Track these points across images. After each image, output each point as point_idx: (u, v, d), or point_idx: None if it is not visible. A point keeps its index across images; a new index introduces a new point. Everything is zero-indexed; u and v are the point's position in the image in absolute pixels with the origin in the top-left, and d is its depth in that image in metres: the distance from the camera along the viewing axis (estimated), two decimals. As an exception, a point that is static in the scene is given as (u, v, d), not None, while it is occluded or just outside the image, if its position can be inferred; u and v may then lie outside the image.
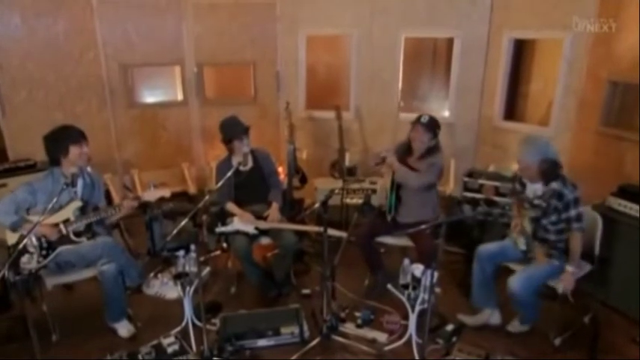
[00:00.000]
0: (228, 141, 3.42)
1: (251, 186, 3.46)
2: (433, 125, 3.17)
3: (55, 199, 2.51)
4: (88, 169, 3.10)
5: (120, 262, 2.95)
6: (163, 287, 3.49)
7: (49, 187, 2.87)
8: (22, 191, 2.85)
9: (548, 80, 4.29)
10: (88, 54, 4.49)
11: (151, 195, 3.06)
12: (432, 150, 3.21)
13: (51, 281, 2.89)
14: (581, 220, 2.73)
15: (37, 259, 2.78)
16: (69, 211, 2.88)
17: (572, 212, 2.71)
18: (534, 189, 2.85)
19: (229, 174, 2.92)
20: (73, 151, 2.88)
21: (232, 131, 3.39)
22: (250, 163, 3.49)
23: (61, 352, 2.84)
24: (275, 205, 3.48)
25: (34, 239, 2.77)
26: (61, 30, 4.33)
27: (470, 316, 3.12)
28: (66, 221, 2.87)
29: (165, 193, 3.09)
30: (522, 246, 2.94)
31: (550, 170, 2.73)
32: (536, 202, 2.83)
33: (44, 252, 2.82)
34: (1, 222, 2.78)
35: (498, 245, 3.05)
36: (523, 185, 2.94)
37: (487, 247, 3.06)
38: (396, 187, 3.28)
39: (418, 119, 3.19)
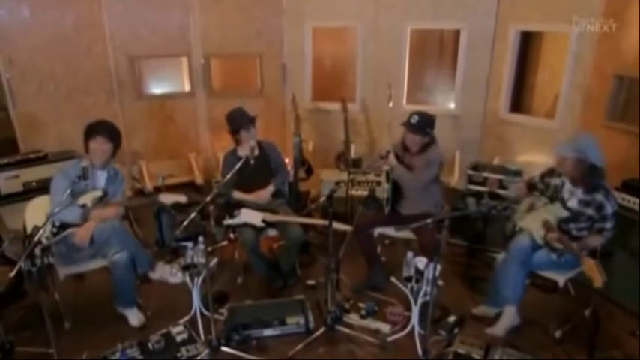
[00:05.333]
0: (235, 131, 3.45)
1: (257, 176, 3.49)
2: (423, 125, 3.16)
3: (68, 191, 2.62)
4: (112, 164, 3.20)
5: (130, 248, 3.00)
6: (167, 272, 3.48)
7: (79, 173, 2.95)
8: (59, 179, 2.94)
9: (554, 73, 4.27)
10: (96, 47, 4.53)
11: (167, 199, 3.13)
12: (428, 145, 3.24)
13: (63, 271, 2.96)
14: (613, 230, 2.75)
15: (46, 235, 2.79)
16: (88, 199, 2.96)
17: (609, 224, 2.72)
18: (571, 191, 2.83)
19: (237, 167, 2.96)
20: (91, 145, 3.01)
21: (239, 121, 3.43)
22: (256, 152, 3.53)
23: (73, 340, 2.92)
24: (270, 188, 3.51)
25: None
26: (70, 23, 4.37)
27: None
28: (83, 206, 2.93)
29: (182, 199, 3.14)
30: (540, 239, 2.88)
31: (592, 176, 2.68)
32: (570, 205, 2.79)
33: (55, 230, 2.87)
34: (67, 219, 2.85)
35: (528, 237, 2.93)
36: (562, 183, 2.89)
37: (523, 241, 2.91)
38: (394, 181, 3.33)
39: (408, 122, 3.18)
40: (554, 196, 2.91)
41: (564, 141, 2.81)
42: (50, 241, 2.86)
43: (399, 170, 3.23)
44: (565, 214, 2.81)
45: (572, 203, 2.80)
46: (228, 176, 2.99)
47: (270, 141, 3.73)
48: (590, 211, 2.74)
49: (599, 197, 2.69)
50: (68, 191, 2.63)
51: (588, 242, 2.75)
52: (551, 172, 2.98)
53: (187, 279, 2.89)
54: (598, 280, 2.49)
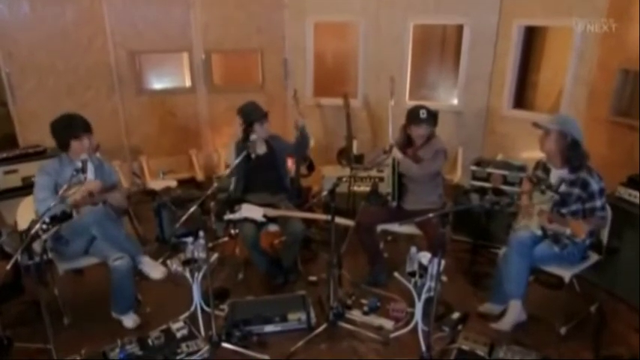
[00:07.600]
0: (249, 124, 3.42)
1: (261, 172, 3.47)
2: (430, 117, 3.21)
3: (65, 186, 2.58)
4: (97, 154, 3.15)
5: (110, 232, 2.93)
6: (147, 266, 3.21)
7: (57, 169, 2.92)
8: (41, 176, 2.89)
9: (557, 68, 4.23)
10: (96, 41, 4.51)
11: (157, 184, 3.10)
12: (430, 136, 3.27)
13: (62, 267, 2.93)
14: (605, 210, 2.73)
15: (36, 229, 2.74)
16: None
17: (598, 202, 2.69)
18: (558, 175, 2.83)
19: (237, 161, 2.95)
20: (74, 145, 2.92)
21: (254, 114, 3.40)
22: (264, 149, 3.50)
23: (72, 336, 2.89)
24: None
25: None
26: (70, 18, 4.35)
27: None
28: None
29: (172, 183, 3.13)
30: (537, 230, 2.87)
31: (574, 151, 2.71)
32: (562, 189, 2.78)
33: (45, 226, 2.81)
34: (56, 212, 2.69)
35: (527, 230, 2.91)
36: (547, 171, 2.91)
37: (522, 234, 2.90)
38: (399, 175, 3.30)
39: (417, 115, 3.19)
40: (546, 186, 2.89)
41: (549, 117, 2.89)
42: (49, 233, 2.79)
43: (406, 163, 3.21)
44: (555, 197, 2.79)
45: (561, 187, 2.80)
46: (231, 168, 2.96)
47: (273, 133, 3.69)
48: (577, 190, 2.73)
49: (582, 174, 2.72)
50: (65, 186, 2.58)
51: (589, 224, 2.66)
52: (537, 166, 3.03)
53: (188, 274, 2.85)
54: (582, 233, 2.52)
